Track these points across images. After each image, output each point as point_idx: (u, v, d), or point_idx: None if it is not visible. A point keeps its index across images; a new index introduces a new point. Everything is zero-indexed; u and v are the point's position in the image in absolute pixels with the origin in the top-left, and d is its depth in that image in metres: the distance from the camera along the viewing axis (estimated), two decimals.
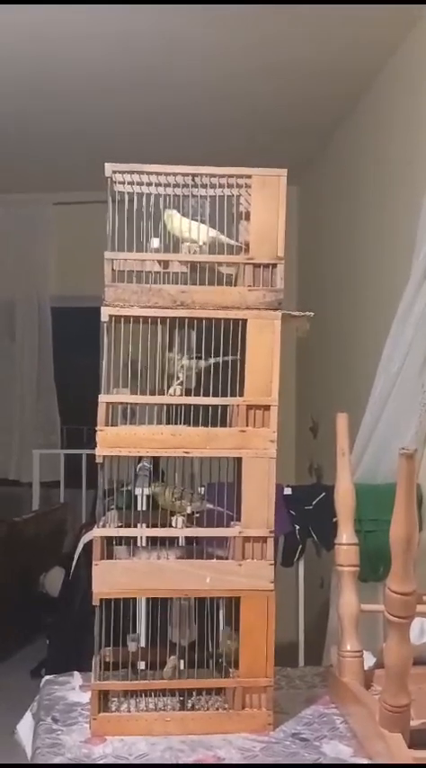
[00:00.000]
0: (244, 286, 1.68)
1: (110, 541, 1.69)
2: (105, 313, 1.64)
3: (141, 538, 1.72)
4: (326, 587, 3.76)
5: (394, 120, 3.55)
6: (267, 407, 1.67)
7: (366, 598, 1.88)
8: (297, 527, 3.14)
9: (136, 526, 1.73)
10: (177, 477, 1.76)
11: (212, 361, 1.69)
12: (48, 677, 1.97)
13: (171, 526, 1.70)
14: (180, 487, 1.74)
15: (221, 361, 1.67)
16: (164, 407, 1.70)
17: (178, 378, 1.69)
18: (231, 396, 1.67)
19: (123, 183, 1.69)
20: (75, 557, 3.75)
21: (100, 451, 1.64)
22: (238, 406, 1.67)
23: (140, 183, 1.69)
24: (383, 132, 3.72)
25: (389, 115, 3.63)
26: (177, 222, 1.71)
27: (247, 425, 1.67)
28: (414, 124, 3.27)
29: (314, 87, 3.92)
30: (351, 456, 2.08)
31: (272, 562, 1.69)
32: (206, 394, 1.68)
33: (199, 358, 1.70)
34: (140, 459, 2.48)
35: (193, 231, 1.71)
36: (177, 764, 1.52)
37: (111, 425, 1.66)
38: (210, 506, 1.73)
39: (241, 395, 1.67)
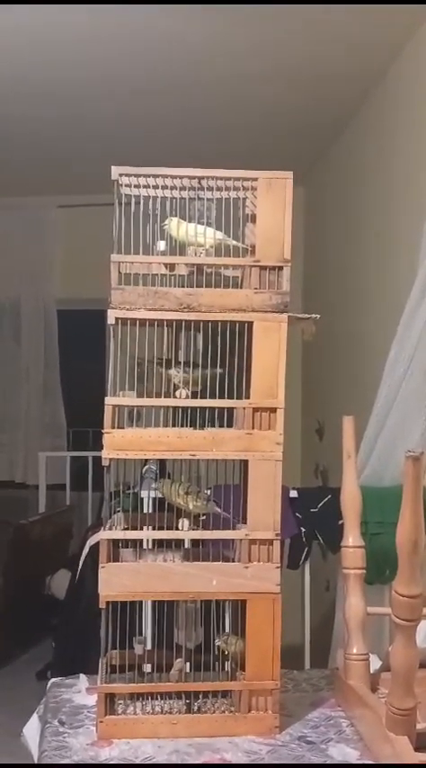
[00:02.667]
0: (250, 288, 1.68)
1: (116, 544, 1.69)
2: (111, 316, 1.65)
3: (147, 540, 1.72)
4: (332, 590, 3.76)
5: (399, 122, 3.55)
6: (273, 410, 1.67)
7: (372, 601, 1.88)
8: (303, 530, 3.14)
9: (142, 529, 1.73)
10: (183, 480, 1.76)
11: (207, 372, 1.68)
12: (54, 680, 1.97)
13: (177, 529, 1.70)
14: (186, 483, 1.74)
15: (217, 372, 1.67)
16: (170, 410, 1.70)
17: (181, 393, 1.69)
18: (237, 397, 1.67)
19: (129, 185, 1.69)
20: (82, 559, 3.76)
21: (106, 454, 1.64)
22: (244, 408, 1.67)
23: (146, 186, 1.69)
24: (387, 134, 3.72)
25: (394, 117, 3.63)
26: (182, 227, 1.71)
27: (253, 428, 1.67)
28: (419, 126, 3.27)
29: (319, 90, 3.93)
30: (357, 458, 2.07)
31: (279, 565, 1.68)
32: (212, 396, 1.68)
33: (192, 368, 1.70)
34: (146, 461, 2.48)
35: (199, 234, 1.71)
36: (180, 764, 1.52)
37: (118, 428, 1.66)
38: (217, 510, 1.73)
39: (247, 397, 1.67)
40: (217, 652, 1.74)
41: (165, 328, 1.72)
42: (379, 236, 3.85)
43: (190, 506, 1.70)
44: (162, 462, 2.33)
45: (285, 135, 4.56)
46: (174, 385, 1.69)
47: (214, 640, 1.75)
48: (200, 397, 1.68)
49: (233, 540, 1.70)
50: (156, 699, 1.71)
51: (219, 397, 1.67)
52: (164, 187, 1.70)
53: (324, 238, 5.07)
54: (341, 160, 4.68)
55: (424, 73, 3.23)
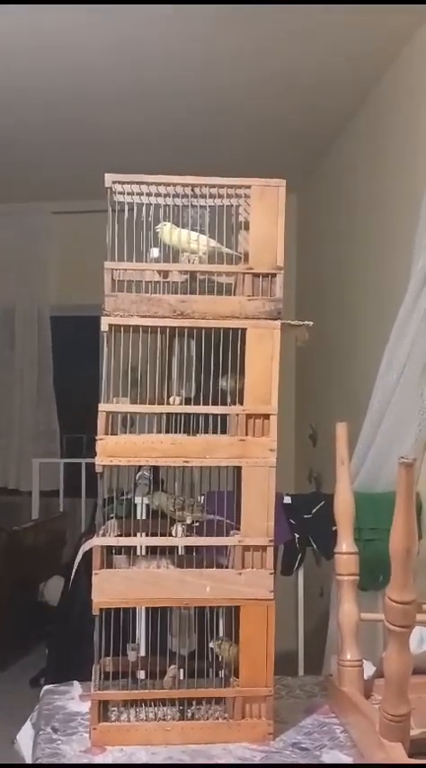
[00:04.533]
0: (243, 295, 1.68)
1: (109, 550, 1.69)
2: (105, 322, 1.65)
3: (141, 547, 1.72)
4: (326, 596, 3.76)
5: (392, 130, 3.56)
6: (267, 416, 1.67)
7: (365, 607, 1.88)
8: (297, 536, 3.14)
9: (135, 535, 1.73)
10: (177, 486, 1.76)
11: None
12: (47, 687, 1.96)
13: (170, 535, 1.70)
14: (181, 498, 1.74)
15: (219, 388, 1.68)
16: (164, 416, 1.70)
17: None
18: (231, 404, 1.68)
19: (123, 193, 1.69)
20: (75, 566, 3.75)
21: (99, 461, 1.64)
22: (238, 415, 1.67)
23: (140, 194, 1.70)
24: (381, 142, 3.74)
25: (387, 125, 3.64)
26: (175, 233, 1.71)
27: (247, 434, 1.67)
28: (412, 134, 3.28)
29: (312, 97, 3.94)
30: (351, 464, 2.08)
31: (272, 571, 1.69)
32: (205, 403, 1.68)
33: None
34: (140, 468, 2.48)
35: (192, 241, 1.71)
36: (168, 765, 1.52)
37: (111, 434, 1.66)
38: (211, 517, 1.73)
39: (240, 403, 1.67)
40: (210, 656, 1.74)
41: (159, 335, 1.72)
42: (373, 243, 3.86)
43: (188, 521, 1.71)
44: (155, 469, 2.33)
45: (278, 143, 4.57)
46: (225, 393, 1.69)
47: (207, 647, 1.75)
48: (194, 404, 1.69)
49: (226, 546, 1.70)
50: (150, 706, 1.71)
51: (213, 404, 1.67)
52: (158, 194, 1.70)
53: (318, 246, 5.08)
54: (335, 168, 4.70)
55: (418, 81, 3.24)
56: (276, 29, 3.18)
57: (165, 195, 1.70)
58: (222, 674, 1.74)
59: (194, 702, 1.71)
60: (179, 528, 1.70)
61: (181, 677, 1.73)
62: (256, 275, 1.68)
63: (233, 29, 3.19)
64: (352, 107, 4.02)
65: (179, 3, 2.99)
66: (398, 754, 1.45)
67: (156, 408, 1.69)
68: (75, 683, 1.94)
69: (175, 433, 1.68)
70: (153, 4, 2.98)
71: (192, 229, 1.72)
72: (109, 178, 1.68)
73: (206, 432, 1.67)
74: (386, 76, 3.60)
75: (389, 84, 3.60)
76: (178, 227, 1.72)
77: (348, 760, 1.57)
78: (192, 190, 1.69)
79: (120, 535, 1.72)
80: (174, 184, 1.69)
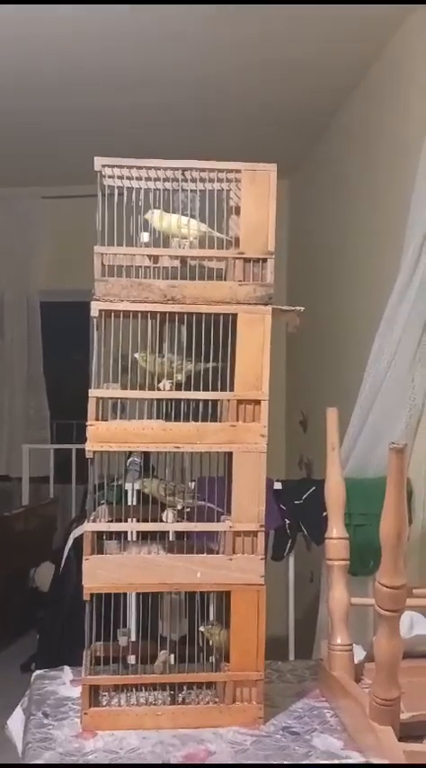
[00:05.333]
0: (234, 281, 1.67)
1: (100, 536, 1.69)
2: (95, 308, 1.64)
3: (132, 532, 1.72)
4: (316, 581, 3.78)
5: (384, 116, 3.55)
6: (257, 402, 1.67)
7: (355, 592, 1.89)
8: (288, 521, 3.15)
9: (126, 521, 1.73)
10: (167, 472, 1.76)
11: (200, 367, 1.68)
12: (38, 672, 1.96)
13: (161, 521, 1.70)
14: (171, 483, 1.74)
15: (210, 367, 1.67)
16: (155, 402, 1.70)
17: (165, 385, 1.69)
18: (221, 390, 1.67)
19: (112, 177, 1.68)
20: (65, 551, 3.75)
21: (90, 446, 1.64)
22: (229, 400, 1.67)
23: (130, 178, 1.69)
24: (373, 128, 3.72)
25: (379, 111, 3.63)
26: (166, 218, 1.70)
27: (238, 420, 1.67)
28: (404, 120, 3.27)
29: (304, 83, 3.92)
30: (341, 450, 2.08)
31: (263, 556, 1.69)
32: (196, 389, 1.68)
33: (189, 361, 1.70)
34: (130, 454, 2.48)
35: (183, 226, 1.70)
36: (163, 764, 1.52)
37: (102, 420, 1.65)
38: (201, 503, 1.73)
39: (231, 389, 1.67)
40: (201, 641, 1.75)
41: (149, 320, 1.72)
42: (364, 229, 3.85)
43: (179, 507, 1.71)
44: (146, 455, 2.32)
45: (270, 129, 4.55)
46: (164, 373, 1.68)
47: (198, 632, 1.75)
48: (184, 389, 1.68)
49: (217, 531, 1.70)
50: (141, 690, 1.71)
51: (203, 389, 1.67)
52: (148, 179, 1.69)
53: (309, 231, 5.07)
54: (327, 154, 4.68)
55: (409, 67, 3.23)
56: (268, 16, 3.16)
57: (156, 179, 1.69)
58: (213, 658, 1.75)
59: (185, 687, 1.72)
60: (170, 513, 1.70)
61: (172, 662, 1.73)
62: (247, 260, 1.68)
63: (225, 15, 3.16)
64: (344, 93, 4.00)
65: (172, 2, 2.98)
66: (388, 737, 1.46)
67: (147, 394, 1.69)
68: (66, 668, 1.94)
69: (166, 418, 1.68)
70: None
71: (183, 214, 1.71)
72: (98, 162, 1.67)
73: (196, 418, 1.67)
74: (377, 63, 3.59)
75: (381, 71, 3.58)
76: (168, 211, 1.71)
77: (338, 744, 1.58)
78: (183, 174, 1.69)
79: (111, 521, 1.72)
80: (165, 168, 1.68)
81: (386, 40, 3.38)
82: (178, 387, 1.69)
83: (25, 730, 1.70)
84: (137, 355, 1.67)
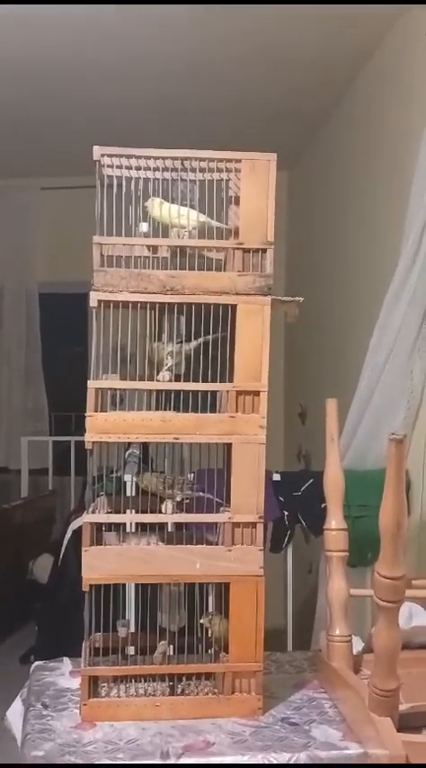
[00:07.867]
0: (233, 271, 1.67)
1: (99, 527, 1.69)
2: (94, 298, 1.64)
3: (131, 524, 1.72)
4: (315, 573, 3.78)
5: (384, 107, 3.54)
6: (257, 393, 1.67)
7: (354, 583, 1.89)
8: (286, 513, 3.15)
9: (125, 512, 1.73)
10: (166, 464, 1.76)
11: (199, 341, 1.68)
12: (37, 663, 1.97)
13: (160, 512, 1.70)
14: (169, 477, 1.74)
15: (207, 340, 1.66)
16: (154, 393, 1.69)
17: (167, 364, 1.69)
18: (221, 381, 1.67)
19: (112, 166, 1.67)
20: (64, 543, 3.76)
21: (89, 438, 1.63)
22: (228, 391, 1.67)
23: (129, 167, 1.68)
24: (372, 119, 3.71)
25: (379, 102, 3.62)
26: (164, 208, 1.70)
27: (237, 411, 1.66)
28: (403, 111, 3.26)
29: (304, 74, 3.90)
30: (340, 442, 2.08)
31: (262, 548, 1.69)
32: (195, 379, 1.68)
33: (184, 341, 1.69)
34: (129, 445, 2.48)
35: (182, 216, 1.70)
36: (165, 765, 1.52)
37: (101, 411, 1.65)
38: (200, 494, 1.73)
39: (230, 380, 1.67)
40: (200, 632, 1.75)
41: (148, 311, 1.71)
42: (364, 220, 3.85)
43: (177, 498, 1.70)
44: (145, 446, 2.32)
45: (270, 119, 4.53)
46: (162, 361, 1.68)
47: (197, 623, 1.75)
48: (184, 381, 1.68)
49: (216, 523, 1.70)
50: (140, 681, 1.71)
51: (203, 381, 1.66)
52: (147, 168, 1.68)
53: (308, 222, 5.06)
54: (326, 145, 4.67)
55: (410, 58, 3.22)
56: (267, 6, 3.15)
57: (155, 169, 1.68)
58: (212, 649, 1.75)
59: (184, 678, 1.72)
60: (169, 505, 1.70)
61: (171, 653, 1.73)
62: (246, 251, 1.67)
63: (224, 5, 3.15)
64: (344, 84, 3.99)
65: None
66: (387, 728, 1.46)
67: (146, 385, 1.68)
68: (65, 659, 1.94)
69: (165, 409, 1.68)
70: None
71: (182, 204, 1.70)
72: (97, 151, 1.66)
73: (195, 409, 1.66)
74: (377, 54, 3.57)
75: (380, 61, 3.57)
76: (167, 201, 1.70)
77: (337, 735, 1.58)
78: (182, 163, 1.68)
79: (110, 512, 1.72)
80: (164, 158, 1.68)
81: (387, 31, 3.37)
82: (177, 378, 1.69)
83: (24, 721, 1.70)
84: (155, 345, 1.67)
